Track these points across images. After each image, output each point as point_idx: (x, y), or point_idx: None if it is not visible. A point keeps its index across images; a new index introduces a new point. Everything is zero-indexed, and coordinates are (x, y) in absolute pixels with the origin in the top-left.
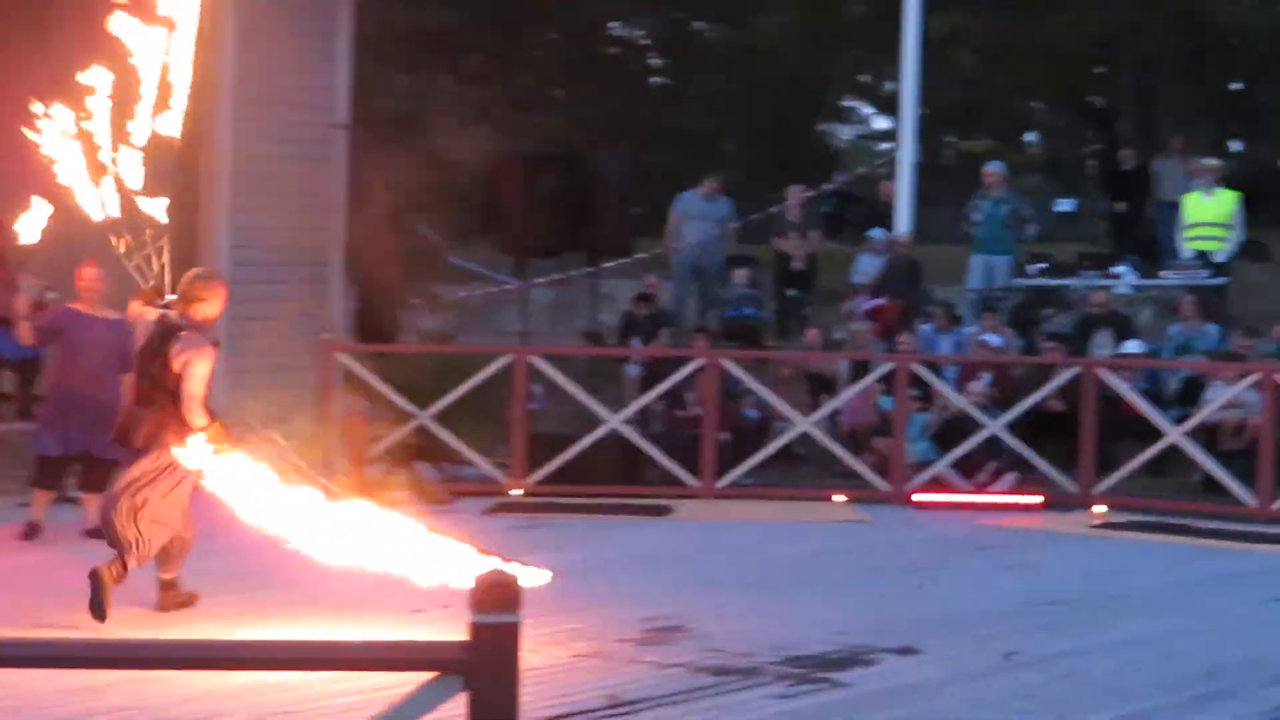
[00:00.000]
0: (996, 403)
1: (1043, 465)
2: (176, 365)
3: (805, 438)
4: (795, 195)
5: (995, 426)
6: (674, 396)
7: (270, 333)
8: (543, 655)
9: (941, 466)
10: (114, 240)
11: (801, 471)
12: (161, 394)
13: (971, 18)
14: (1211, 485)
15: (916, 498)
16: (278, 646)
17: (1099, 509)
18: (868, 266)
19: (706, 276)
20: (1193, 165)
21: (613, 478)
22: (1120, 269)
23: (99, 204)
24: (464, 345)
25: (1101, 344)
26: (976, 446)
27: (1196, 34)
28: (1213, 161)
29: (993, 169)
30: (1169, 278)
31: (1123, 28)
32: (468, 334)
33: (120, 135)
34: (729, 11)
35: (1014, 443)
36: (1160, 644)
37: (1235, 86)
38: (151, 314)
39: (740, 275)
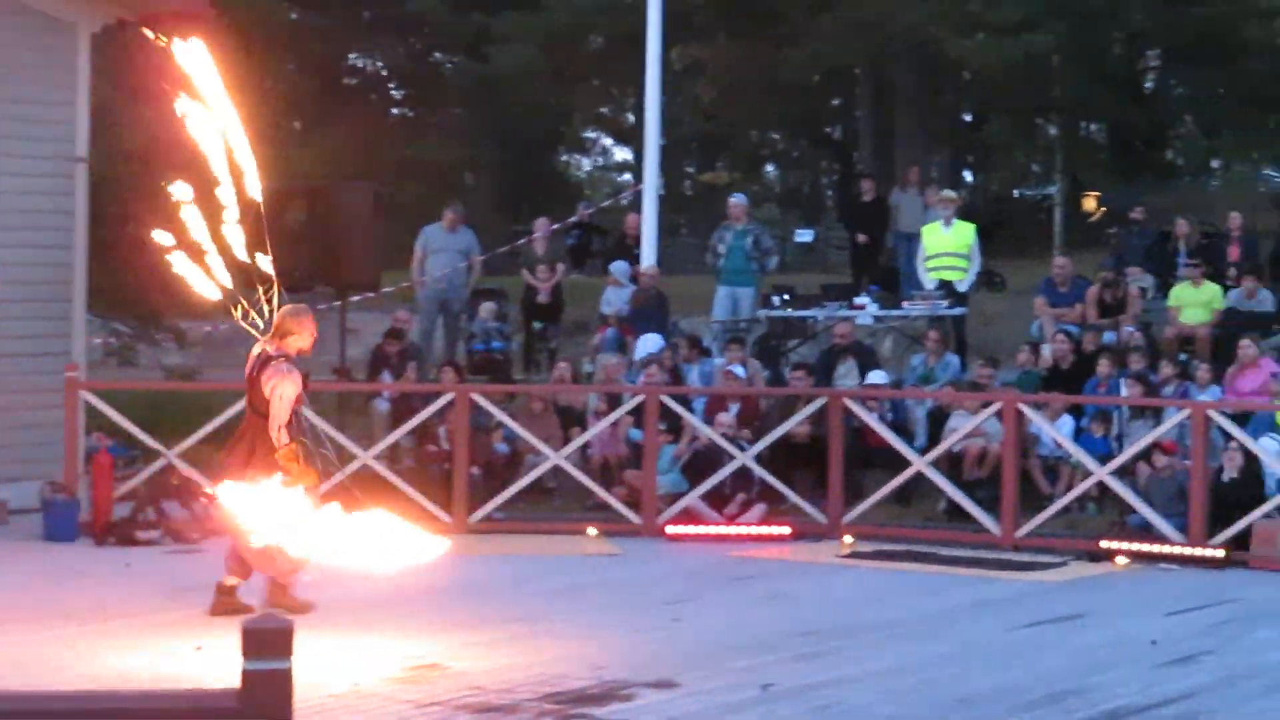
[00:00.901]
0: (745, 434)
1: (791, 495)
2: (266, 390)
3: (556, 471)
4: (541, 227)
5: (744, 458)
6: (424, 431)
7: (12, 370)
8: (296, 697)
9: (692, 498)
10: (233, 310)
11: (553, 505)
12: (257, 418)
13: (711, 50)
14: (956, 513)
15: (668, 530)
16: (41, 697)
17: (847, 539)
18: (614, 298)
19: (452, 310)
20: (931, 197)
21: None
22: (862, 300)
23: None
24: (208, 382)
25: (846, 374)
26: (726, 478)
27: (930, 67)
28: (951, 193)
29: (737, 201)
30: (910, 308)
31: (859, 61)
32: (213, 369)
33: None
34: (470, 43)
35: (763, 473)
36: (915, 672)
37: (968, 119)
38: (255, 350)
39: (486, 308)
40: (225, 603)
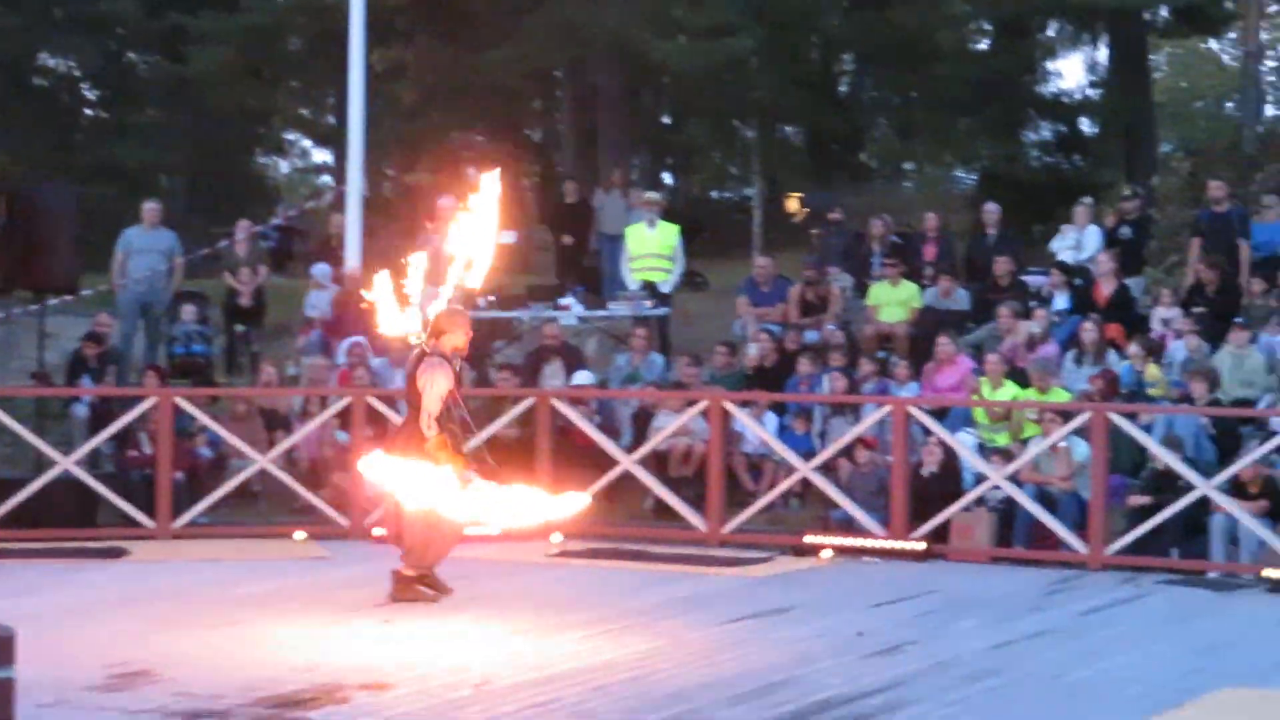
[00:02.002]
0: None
1: None
2: (420, 384)
3: (262, 474)
4: (242, 230)
5: None
6: (126, 436)
7: None
8: None
9: None
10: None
11: (259, 509)
12: (414, 412)
13: (412, 52)
14: (664, 510)
15: (376, 532)
16: None
17: (556, 538)
18: (318, 301)
19: (154, 313)
20: (634, 198)
21: (66, 521)
22: (567, 300)
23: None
24: None
25: (553, 375)
26: None
27: (632, 70)
28: (654, 195)
29: (442, 204)
30: (615, 308)
31: (561, 63)
32: None
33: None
34: (166, 43)
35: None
36: (626, 669)
37: (668, 121)
38: (415, 351)
39: (188, 311)
40: (403, 589)
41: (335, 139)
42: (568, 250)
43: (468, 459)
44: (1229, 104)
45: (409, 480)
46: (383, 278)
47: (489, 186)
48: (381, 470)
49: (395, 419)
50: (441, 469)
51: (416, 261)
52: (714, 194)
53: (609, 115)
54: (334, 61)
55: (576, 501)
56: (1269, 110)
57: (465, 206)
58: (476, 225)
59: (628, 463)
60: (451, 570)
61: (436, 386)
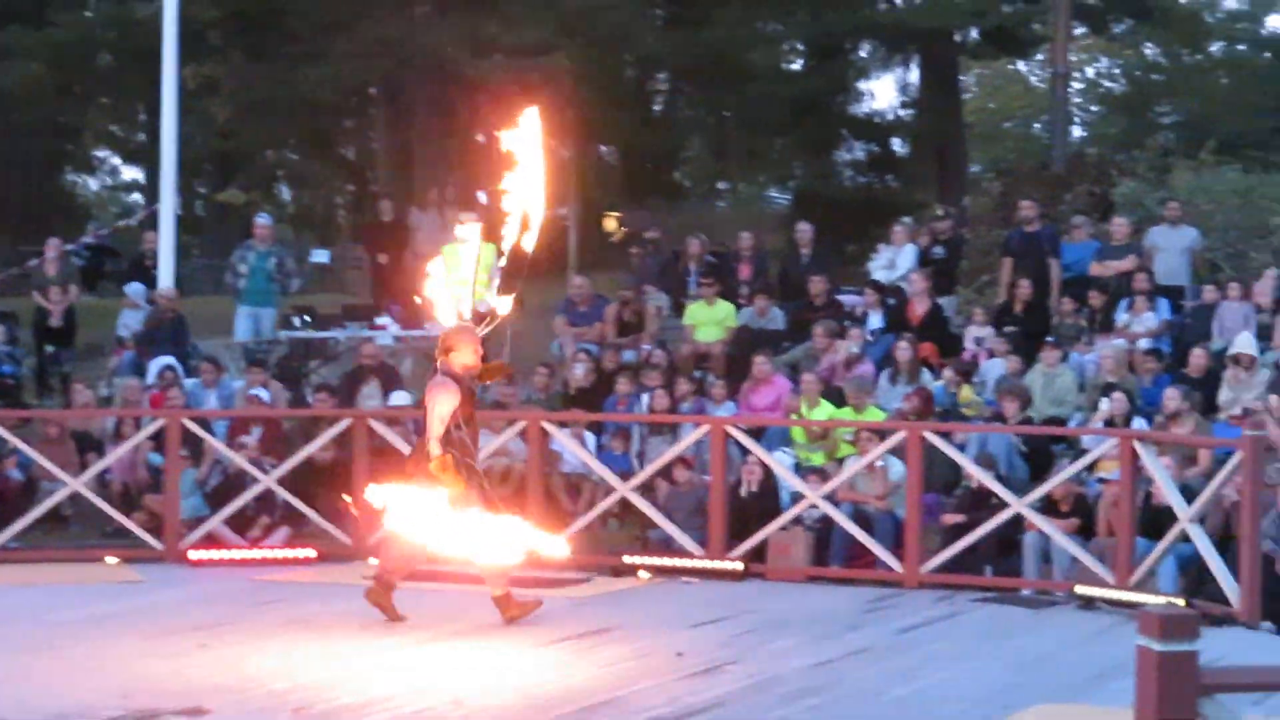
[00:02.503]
0: (268, 456)
1: (316, 518)
2: (427, 404)
3: (74, 498)
4: (52, 248)
5: (268, 480)
6: None
7: None
8: None
9: (215, 523)
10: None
11: (71, 532)
12: (423, 431)
13: (226, 68)
14: None
15: (191, 555)
16: None
17: (372, 560)
18: (131, 320)
19: None
20: (452, 217)
21: None
22: (383, 320)
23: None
24: None
25: (370, 395)
26: (249, 501)
27: (447, 88)
28: (472, 215)
29: (263, 222)
30: (431, 328)
31: (376, 80)
32: None
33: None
34: None
35: (287, 496)
36: (445, 690)
37: (483, 140)
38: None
39: None
40: (509, 608)
41: (146, 156)
42: (384, 269)
43: (472, 482)
44: (1036, 125)
45: (400, 503)
46: (436, 266)
47: (529, 129)
48: (381, 494)
49: (213, 441)
50: (444, 491)
51: (469, 231)
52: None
53: (424, 133)
54: (145, 77)
55: (558, 546)
56: (1076, 131)
57: (510, 163)
58: (525, 178)
59: None
60: (266, 595)
61: (439, 407)
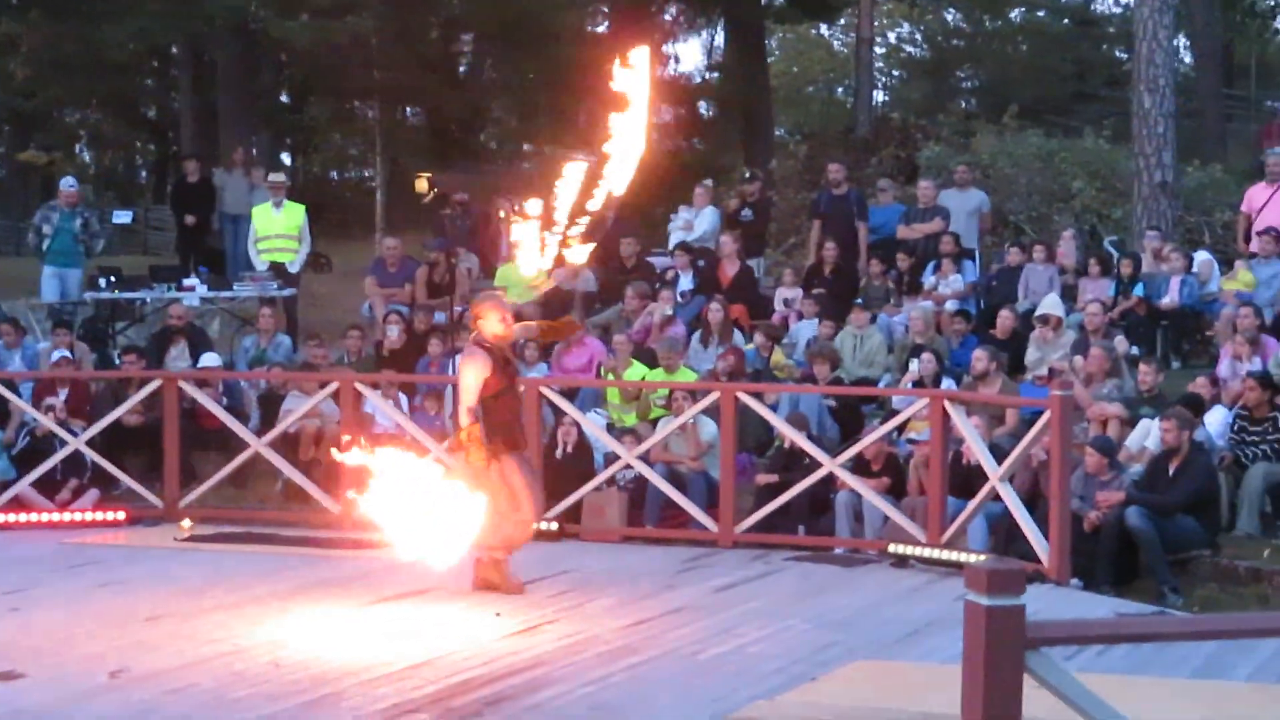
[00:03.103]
0: (75, 418)
1: (126, 480)
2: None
3: None
4: None
5: (76, 443)
6: None
7: None
8: None
9: (22, 486)
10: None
11: None
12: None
13: (25, 26)
14: (295, 493)
15: None
16: None
17: (186, 523)
18: None
19: None
20: (257, 178)
21: None
22: (191, 281)
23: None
24: None
25: (178, 356)
26: (57, 464)
27: (252, 48)
28: (281, 176)
29: (68, 186)
30: (240, 289)
31: (179, 40)
32: None
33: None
34: None
35: (96, 458)
36: (265, 652)
37: (287, 101)
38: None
39: None
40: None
41: None
42: (190, 230)
43: (508, 457)
44: (840, 89)
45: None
46: (530, 228)
47: (639, 71)
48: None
49: (19, 402)
50: (471, 465)
51: (573, 172)
52: (335, 175)
53: (228, 94)
54: None
55: (455, 554)
56: (879, 96)
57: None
58: (627, 123)
59: (258, 445)
60: (77, 558)
61: (466, 378)
